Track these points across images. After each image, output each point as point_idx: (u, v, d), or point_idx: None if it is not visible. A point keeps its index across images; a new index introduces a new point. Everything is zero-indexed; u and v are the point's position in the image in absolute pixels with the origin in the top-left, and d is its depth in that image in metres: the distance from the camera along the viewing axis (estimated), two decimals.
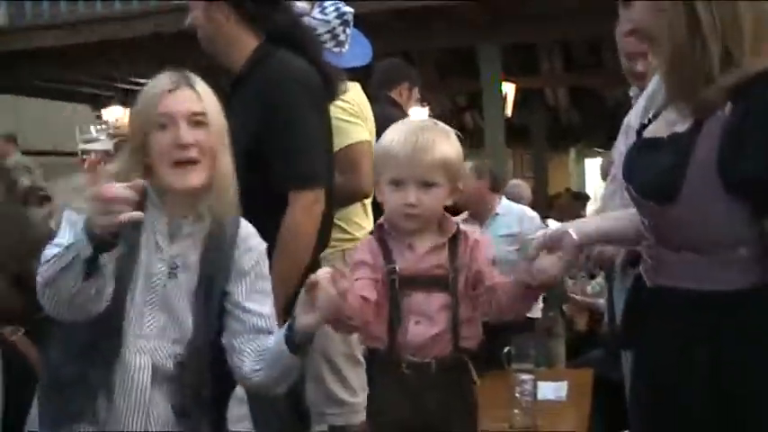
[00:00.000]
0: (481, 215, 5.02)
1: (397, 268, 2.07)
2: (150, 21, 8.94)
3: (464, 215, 4.99)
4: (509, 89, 11.15)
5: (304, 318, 1.98)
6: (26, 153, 9.49)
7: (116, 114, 12.30)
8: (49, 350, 2.12)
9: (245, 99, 2.72)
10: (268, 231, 2.45)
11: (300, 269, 2.65)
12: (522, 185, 6.50)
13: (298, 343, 2.04)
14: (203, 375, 2.18)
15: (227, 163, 2.14)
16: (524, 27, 8.67)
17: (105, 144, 2.60)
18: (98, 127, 2.79)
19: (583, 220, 2.10)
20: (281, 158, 2.67)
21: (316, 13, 3.40)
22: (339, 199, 3.03)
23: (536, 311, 5.02)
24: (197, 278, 2.17)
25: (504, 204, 5.11)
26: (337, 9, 3.43)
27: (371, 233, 2.19)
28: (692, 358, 1.68)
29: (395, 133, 2.10)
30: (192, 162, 2.07)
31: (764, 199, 1.57)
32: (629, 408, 1.97)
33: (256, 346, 2.17)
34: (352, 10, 3.48)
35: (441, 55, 11.05)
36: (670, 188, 1.66)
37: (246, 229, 2.26)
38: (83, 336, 2.05)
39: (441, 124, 2.17)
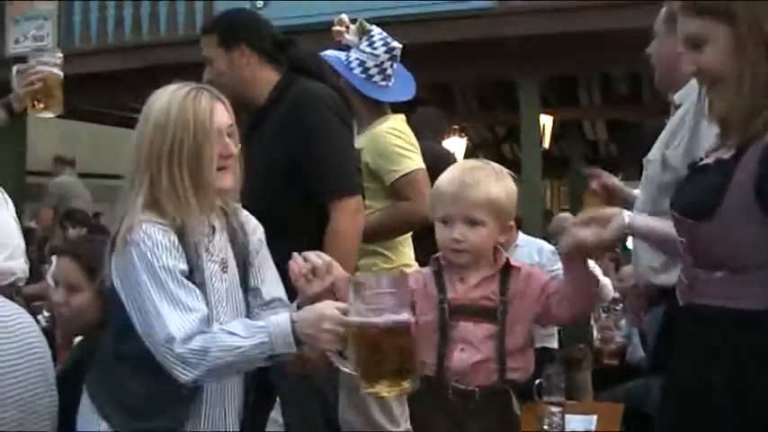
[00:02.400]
0: (504, 247, 5.09)
1: (447, 297, 2.17)
2: (197, 47, 9.12)
3: None
4: (547, 121, 11.19)
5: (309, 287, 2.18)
6: (82, 176, 9.73)
7: None
8: (122, 381, 2.22)
9: (276, 123, 2.90)
10: (305, 238, 2.66)
11: (350, 271, 2.78)
12: (566, 219, 6.58)
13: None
14: None
15: (239, 164, 2.32)
16: (563, 61, 8.71)
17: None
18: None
19: (635, 214, 2.22)
20: (324, 172, 2.85)
21: (364, 46, 3.48)
22: (405, 223, 3.11)
23: (553, 342, 5.16)
24: (236, 266, 2.32)
25: (522, 237, 5.25)
26: (386, 44, 3.50)
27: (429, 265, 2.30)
28: (713, 377, 1.77)
29: (447, 173, 2.24)
30: (231, 168, 2.27)
31: None
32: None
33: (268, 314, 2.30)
34: (400, 45, 3.55)
35: (481, 86, 11.12)
36: (708, 206, 1.79)
37: (244, 212, 2.43)
38: None
39: (493, 164, 2.27)
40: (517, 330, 2.17)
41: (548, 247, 5.26)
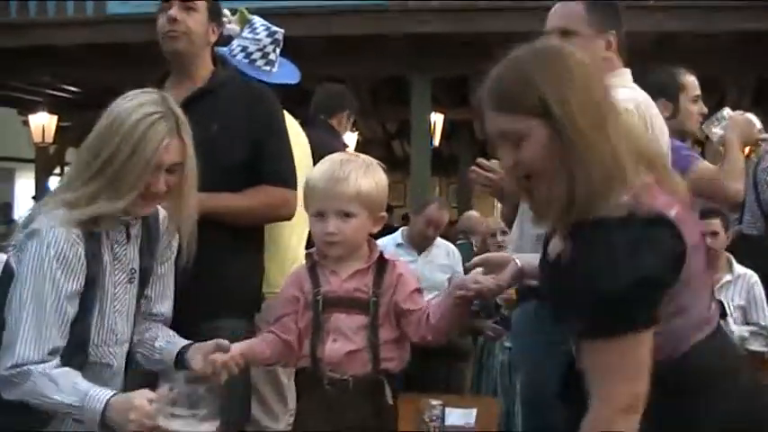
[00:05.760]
0: (425, 245, 5.37)
1: (321, 291, 2.21)
2: (86, 29, 8.92)
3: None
4: (438, 119, 11.34)
5: (194, 361, 2.23)
6: None
7: (42, 120, 12.16)
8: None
9: (226, 112, 2.90)
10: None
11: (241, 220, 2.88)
12: (475, 218, 6.84)
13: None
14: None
15: (192, 195, 2.26)
16: (455, 61, 8.84)
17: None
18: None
19: (525, 255, 2.26)
20: (275, 163, 2.95)
21: (246, 33, 3.51)
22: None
23: None
24: (137, 279, 2.30)
25: (438, 239, 5.46)
26: (268, 29, 3.53)
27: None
28: None
29: (318, 167, 2.27)
30: (157, 199, 2.22)
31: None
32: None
33: (150, 335, 2.36)
34: (282, 30, 3.58)
35: (374, 82, 11.19)
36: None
37: (164, 216, 2.37)
38: None
39: (362, 157, 2.31)
40: (389, 321, 2.22)
41: (452, 248, 5.58)
